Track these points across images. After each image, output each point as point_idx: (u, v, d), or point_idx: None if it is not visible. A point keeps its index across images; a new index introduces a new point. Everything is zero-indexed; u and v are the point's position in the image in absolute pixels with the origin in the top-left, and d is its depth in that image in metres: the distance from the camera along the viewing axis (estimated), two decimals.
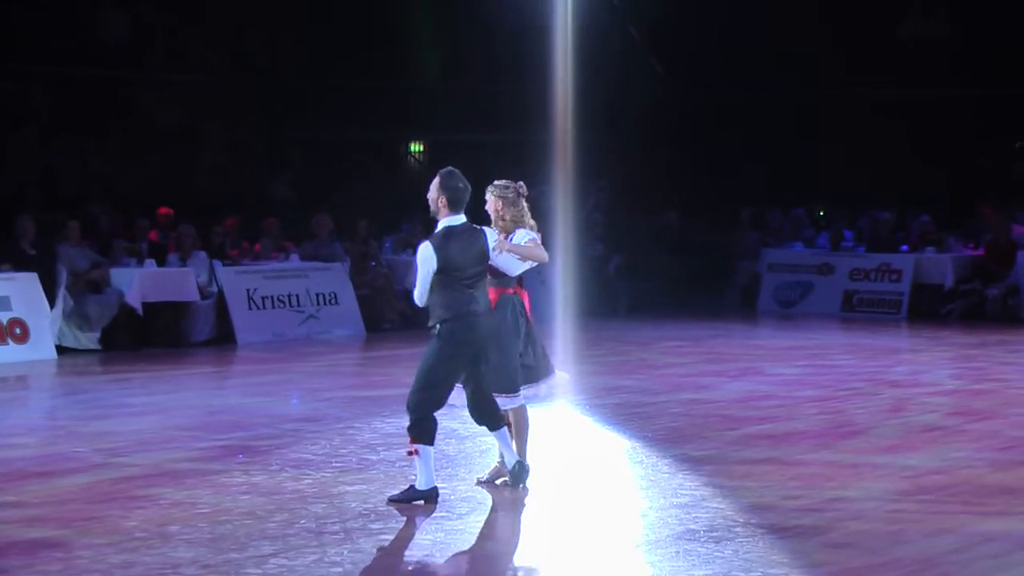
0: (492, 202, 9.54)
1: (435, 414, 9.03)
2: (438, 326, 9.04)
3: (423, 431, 8.96)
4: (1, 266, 17.11)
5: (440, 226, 9.11)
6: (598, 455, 10.81)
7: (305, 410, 13.21)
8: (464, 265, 9.05)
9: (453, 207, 9.10)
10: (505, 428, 9.33)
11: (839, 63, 26.05)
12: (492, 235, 9.31)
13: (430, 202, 9.18)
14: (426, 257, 8.99)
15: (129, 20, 25.01)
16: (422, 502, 8.97)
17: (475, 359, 9.13)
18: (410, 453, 9.03)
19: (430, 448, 9.00)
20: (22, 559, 7.69)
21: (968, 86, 25.50)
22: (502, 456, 9.52)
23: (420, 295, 9.11)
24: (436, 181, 9.18)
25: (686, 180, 25.77)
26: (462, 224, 9.12)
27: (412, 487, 9.07)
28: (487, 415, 9.27)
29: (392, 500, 9.05)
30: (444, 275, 8.99)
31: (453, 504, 9.02)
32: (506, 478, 9.47)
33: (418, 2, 25.78)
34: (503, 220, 9.50)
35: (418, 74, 25.43)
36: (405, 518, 8.67)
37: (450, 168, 9.27)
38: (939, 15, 27.00)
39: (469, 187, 9.19)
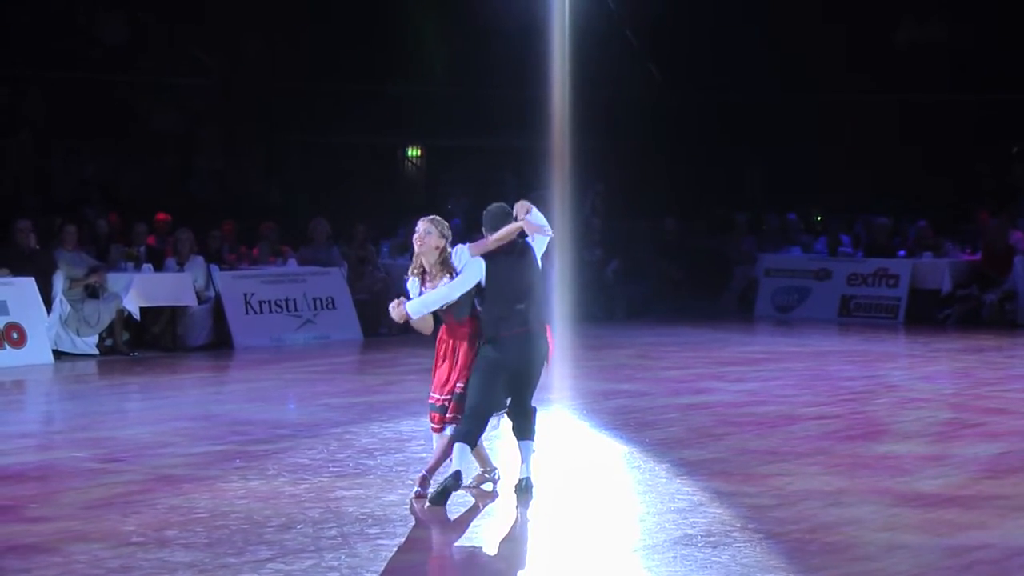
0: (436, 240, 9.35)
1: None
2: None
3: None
4: None
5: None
6: (595, 460, 10.81)
7: (302, 415, 13.19)
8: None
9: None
10: (532, 441, 9.41)
11: (836, 68, 26.07)
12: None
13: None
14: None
15: (126, 23, 25.01)
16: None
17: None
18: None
19: (467, 447, 9.12)
20: (19, 563, 7.68)
21: (966, 91, 25.53)
22: (488, 463, 9.63)
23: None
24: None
25: (683, 184, 25.78)
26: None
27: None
28: (518, 422, 9.42)
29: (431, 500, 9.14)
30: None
31: (450, 509, 9.01)
32: (489, 482, 9.59)
33: (416, 6, 25.80)
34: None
35: (416, 78, 25.44)
36: (402, 523, 8.66)
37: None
38: (935, 21, 27.03)
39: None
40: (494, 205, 9.45)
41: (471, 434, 9.10)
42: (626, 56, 27.55)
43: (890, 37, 27.12)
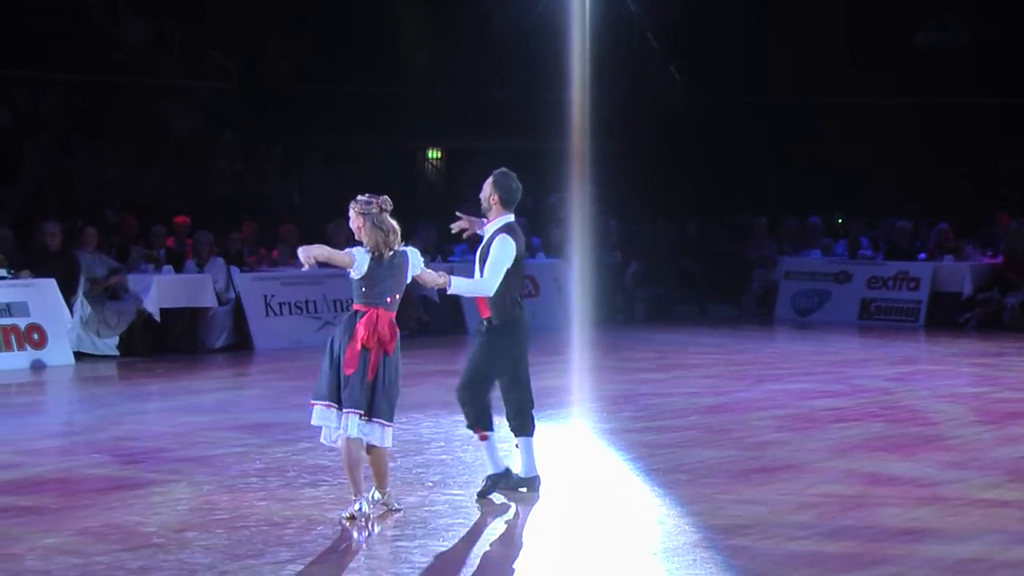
0: (354, 219, 9.42)
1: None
2: (485, 324, 9.29)
3: (481, 420, 9.28)
4: (20, 271, 17.14)
5: (499, 223, 9.24)
6: (615, 462, 10.80)
7: None
8: (523, 260, 9.27)
9: (506, 205, 9.26)
10: (531, 438, 9.37)
11: (857, 71, 26.03)
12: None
13: (482, 200, 9.32)
14: (508, 248, 9.12)
15: (146, 27, 25.07)
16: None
17: (516, 358, 9.28)
18: (482, 439, 9.40)
19: (492, 433, 9.33)
20: (40, 564, 7.70)
21: (987, 94, 25.46)
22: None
23: (495, 285, 9.13)
24: (489, 180, 9.30)
25: (704, 187, 25.75)
26: (515, 221, 9.32)
27: (488, 477, 9.38)
28: (515, 417, 9.35)
29: (480, 495, 9.30)
30: (510, 269, 9.16)
31: (470, 511, 9.02)
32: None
33: (436, 9, 25.82)
34: (364, 238, 9.34)
35: (435, 80, 25.44)
36: (422, 525, 8.65)
37: (504, 169, 9.38)
38: (955, 24, 26.97)
39: (521, 188, 9.35)
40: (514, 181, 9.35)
41: (476, 421, 9.31)
42: (646, 59, 27.54)
43: (911, 40, 27.08)
